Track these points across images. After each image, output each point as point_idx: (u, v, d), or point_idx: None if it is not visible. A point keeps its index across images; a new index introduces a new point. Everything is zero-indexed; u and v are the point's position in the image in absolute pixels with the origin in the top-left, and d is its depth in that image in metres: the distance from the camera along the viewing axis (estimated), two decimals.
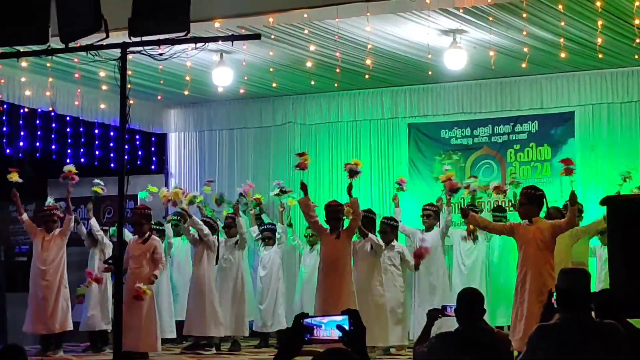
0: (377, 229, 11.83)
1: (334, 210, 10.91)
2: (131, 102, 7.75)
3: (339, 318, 3.51)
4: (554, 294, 5.16)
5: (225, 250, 12.58)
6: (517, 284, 9.37)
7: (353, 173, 11.01)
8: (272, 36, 11.01)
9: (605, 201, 6.98)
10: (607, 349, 4.81)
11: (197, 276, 12.30)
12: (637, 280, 5.50)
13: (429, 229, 12.43)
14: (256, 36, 8.47)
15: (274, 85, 13.51)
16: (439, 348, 5.63)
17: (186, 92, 13.76)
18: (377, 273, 11.56)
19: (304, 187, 11.06)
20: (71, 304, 12.41)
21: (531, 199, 9.42)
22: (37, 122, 14.06)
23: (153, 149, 15.82)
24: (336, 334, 3.49)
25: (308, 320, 3.52)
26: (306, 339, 3.51)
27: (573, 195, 9.53)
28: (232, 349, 12.53)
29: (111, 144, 14.78)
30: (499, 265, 12.63)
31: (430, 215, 12.40)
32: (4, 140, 13.77)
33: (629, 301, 5.54)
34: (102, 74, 11.94)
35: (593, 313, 5.23)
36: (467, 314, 5.67)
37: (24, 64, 11.66)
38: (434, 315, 6.24)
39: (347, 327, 3.50)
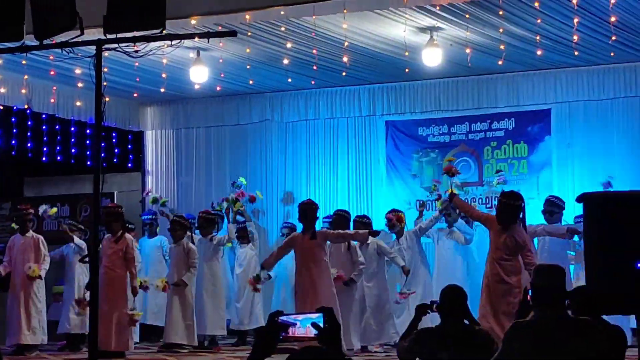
0: (351, 228, 11.80)
1: (308, 209, 10.69)
2: (107, 99, 7.70)
3: (314, 316, 3.50)
4: (529, 291, 5.16)
5: (200, 249, 12.54)
6: (487, 281, 9.60)
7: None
8: (249, 33, 10.97)
9: (581, 198, 6.98)
10: (587, 345, 4.81)
11: (178, 286, 12.20)
12: (614, 277, 5.52)
13: (399, 235, 12.41)
14: (232, 33, 8.44)
15: (250, 82, 13.48)
16: (419, 343, 5.64)
17: (162, 90, 13.70)
18: (354, 271, 11.54)
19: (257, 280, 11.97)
20: (47, 303, 12.34)
21: (508, 209, 9.55)
22: (13, 120, 13.98)
23: (129, 146, 15.73)
24: (311, 332, 3.48)
25: (283, 318, 3.51)
26: (281, 337, 3.49)
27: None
28: (209, 347, 12.50)
29: (87, 142, 14.69)
30: (481, 264, 12.62)
31: (395, 226, 12.37)
32: None
33: (606, 299, 5.56)
34: (77, 71, 11.87)
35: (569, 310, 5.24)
36: (449, 311, 5.68)
37: None
38: (422, 310, 6.22)
39: (322, 325, 3.49)
